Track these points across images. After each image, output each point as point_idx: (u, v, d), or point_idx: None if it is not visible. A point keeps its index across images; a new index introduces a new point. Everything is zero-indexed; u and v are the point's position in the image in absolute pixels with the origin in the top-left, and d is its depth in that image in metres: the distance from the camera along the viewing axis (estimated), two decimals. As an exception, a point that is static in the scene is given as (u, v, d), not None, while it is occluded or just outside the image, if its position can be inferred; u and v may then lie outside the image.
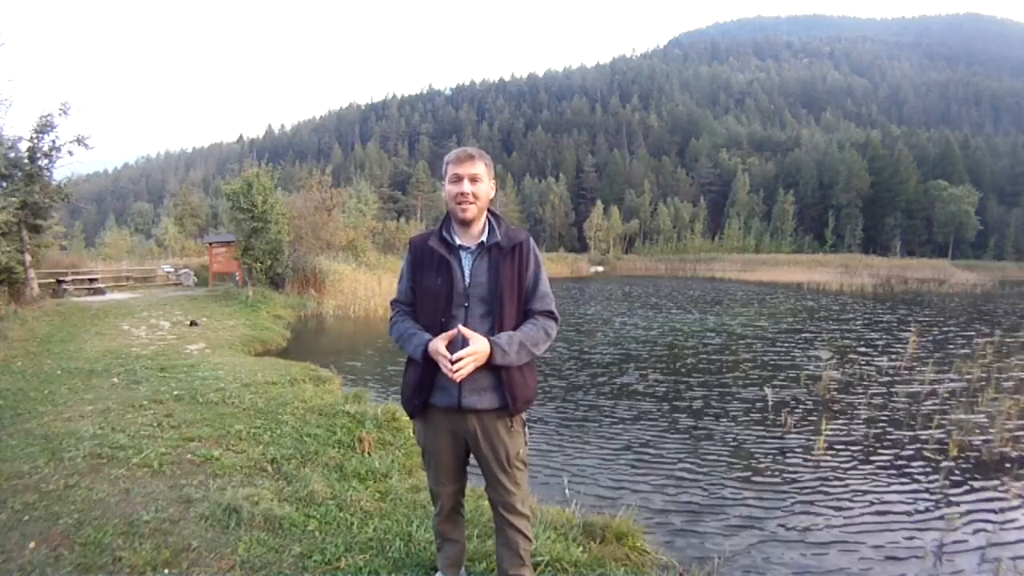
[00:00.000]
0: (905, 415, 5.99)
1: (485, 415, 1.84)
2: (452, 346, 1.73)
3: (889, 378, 7.70)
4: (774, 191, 68.47)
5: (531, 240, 1.93)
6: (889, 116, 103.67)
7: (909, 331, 11.41)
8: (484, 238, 1.87)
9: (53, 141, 13.06)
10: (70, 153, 13.32)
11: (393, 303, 2.00)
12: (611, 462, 4.63)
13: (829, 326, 13.31)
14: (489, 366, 1.74)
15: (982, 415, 5.93)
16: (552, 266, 45.67)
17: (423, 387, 1.85)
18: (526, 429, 1.97)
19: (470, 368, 1.69)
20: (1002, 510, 3.81)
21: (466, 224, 1.87)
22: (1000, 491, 4.11)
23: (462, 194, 1.81)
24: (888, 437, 5.28)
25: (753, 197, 69.45)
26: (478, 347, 1.70)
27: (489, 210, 1.93)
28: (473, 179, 1.82)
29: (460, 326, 1.73)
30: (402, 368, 2.00)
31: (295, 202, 20.48)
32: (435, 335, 1.77)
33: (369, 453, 3.89)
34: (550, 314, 1.87)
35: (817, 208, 67.06)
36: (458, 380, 1.69)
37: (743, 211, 68.25)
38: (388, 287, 17.37)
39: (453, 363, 1.67)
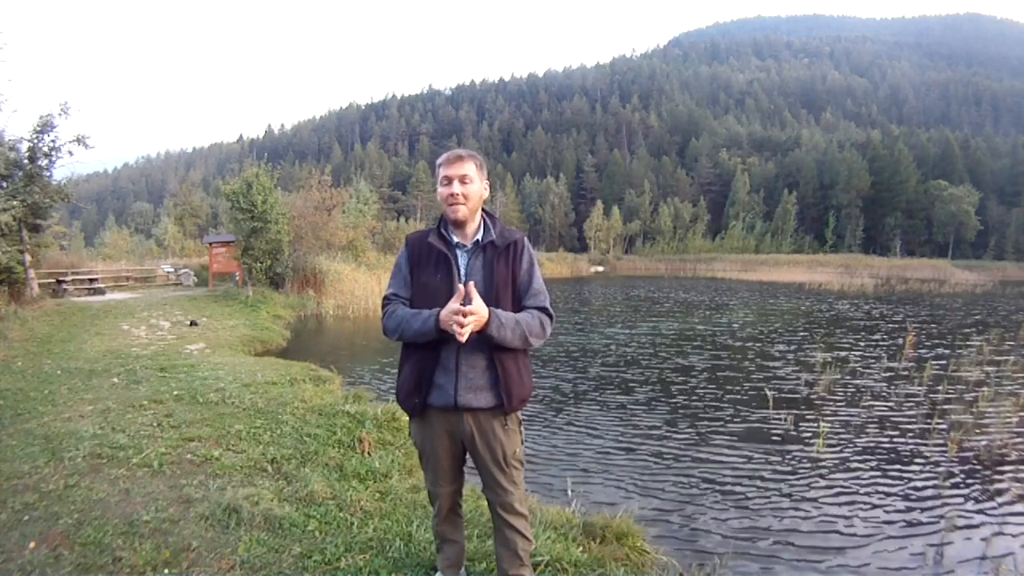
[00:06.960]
0: (905, 415, 5.99)
1: (481, 414, 1.85)
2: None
3: (889, 378, 7.69)
4: (774, 191, 68.37)
5: (525, 239, 1.96)
6: (889, 116, 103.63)
7: (909, 331, 11.41)
8: (479, 237, 1.89)
9: (53, 141, 13.04)
10: (70, 153, 13.30)
11: (387, 297, 1.95)
12: (612, 462, 4.62)
13: (830, 326, 13.31)
14: (484, 340, 1.75)
15: (981, 415, 5.93)
16: (552, 266, 45.65)
17: (420, 386, 1.85)
18: (522, 428, 1.98)
19: (470, 327, 1.68)
20: (1002, 510, 3.81)
21: (459, 224, 1.89)
22: (1000, 491, 4.11)
23: (452, 195, 1.83)
24: (888, 437, 5.28)
25: (753, 197, 69.35)
26: (479, 308, 1.70)
27: (485, 210, 1.96)
28: (462, 180, 1.84)
29: (463, 284, 1.72)
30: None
31: (295, 202, 20.46)
32: None
33: (369, 453, 3.89)
34: (544, 310, 1.89)
35: (817, 208, 67.01)
36: (464, 341, 1.68)
37: (743, 211, 68.17)
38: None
39: (464, 316, 1.66)
